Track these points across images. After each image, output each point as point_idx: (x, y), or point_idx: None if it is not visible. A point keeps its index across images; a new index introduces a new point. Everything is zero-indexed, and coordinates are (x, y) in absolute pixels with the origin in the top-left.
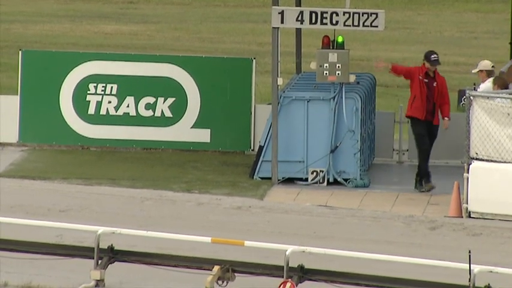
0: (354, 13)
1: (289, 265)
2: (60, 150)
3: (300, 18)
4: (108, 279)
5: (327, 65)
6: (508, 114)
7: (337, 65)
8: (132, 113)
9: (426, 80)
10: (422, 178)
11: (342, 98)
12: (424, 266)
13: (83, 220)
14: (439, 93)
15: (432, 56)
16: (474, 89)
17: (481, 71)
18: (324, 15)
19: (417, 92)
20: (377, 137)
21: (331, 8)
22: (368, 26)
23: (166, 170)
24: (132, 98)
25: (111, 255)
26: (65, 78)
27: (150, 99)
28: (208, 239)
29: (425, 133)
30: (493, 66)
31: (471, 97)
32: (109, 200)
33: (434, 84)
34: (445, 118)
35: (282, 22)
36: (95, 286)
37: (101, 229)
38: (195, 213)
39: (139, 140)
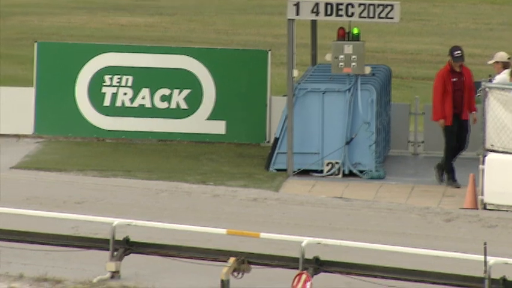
0: (369, 5)
1: (305, 257)
2: (75, 142)
3: (315, 10)
4: (123, 271)
5: (342, 56)
6: None
7: (353, 57)
8: (148, 104)
9: (455, 79)
10: (448, 174)
11: (357, 89)
12: (440, 258)
13: (98, 212)
14: (467, 87)
15: (455, 52)
16: (490, 81)
17: (496, 62)
18: (339, 6)
19: (447, 99)
20: (392, 129)
21: (346, 0)
22: (383, 18)
23: (182, 161)
24: (148, 89)
25: (127, 247)
26: (80, 70)
27: (166, 91)
28: (223, 231)
29: (455, 130)
30: (509, 58)
31: (486, 89)
32: (124, 192)
33: (463, 79)
34: (473, 112)
35: (297, 14)
36: (111, 278)
37: (116, 221)
38: (211, 205)
39: (154, 132)
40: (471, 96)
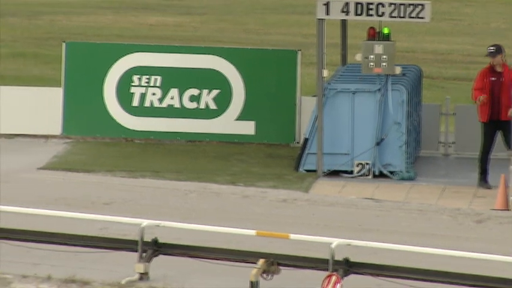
0: (399, 4)
1: (335, 258)
2: (103, 143)
3: (345, 9)
4: (152, 272)
5: (373, 56)
6: None
7: (383, 57)
8: (177, 105)
9: (493, 78)
10: (480, 174)
11: (387, 90)
12: (470, 260)
13: (126, 213)
14: (506, 89)
15: (489, 48)
16: None
17: None
18: (370, 6)
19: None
20: (423, 130)
21: None
22: (414, 18)
23: (211, 162)
24: (177, 90)
25: (156, 248)
26: (108, 70)
27: (195, 91)
28: (253, 232)
29: (491, 132)
30: None
31: None
32: (153, 193)
33: (502, 79)
34: (510, 109)
35: (327, 13)
36: (139, 279)
37: (145, 222)
38: (240, 206)
39: (183, 132)
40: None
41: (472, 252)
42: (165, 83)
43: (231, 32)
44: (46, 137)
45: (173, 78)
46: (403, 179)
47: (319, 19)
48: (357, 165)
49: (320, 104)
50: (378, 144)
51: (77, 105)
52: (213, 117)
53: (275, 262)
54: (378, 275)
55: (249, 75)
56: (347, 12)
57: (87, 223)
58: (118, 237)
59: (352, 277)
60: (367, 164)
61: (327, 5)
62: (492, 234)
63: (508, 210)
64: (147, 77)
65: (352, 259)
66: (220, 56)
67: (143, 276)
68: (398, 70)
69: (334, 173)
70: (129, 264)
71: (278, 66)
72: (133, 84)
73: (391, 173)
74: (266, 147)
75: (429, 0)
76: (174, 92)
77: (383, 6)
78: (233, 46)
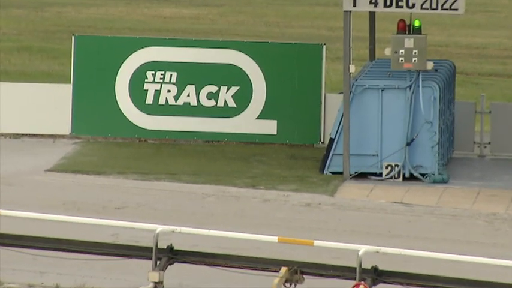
0: None
1: (362, 266)
2: (115, 143)
3: (373, 0)
4: (167, 281)
5: (403, 51)
6: None
7: (414, 51)
8: (193, 102)
9: None
10: None
11: (418, 86)
12: (508, 268)
13: (140, 218)
14: None
15: None
16: None
17: None
18: None
19: None
20: (456, 129)
21: None
22: (447, 9)
23: (230, 164)
24: (193, 86)
25: (171, 255)
26: (120, 66)
27: (213, 88)
28: (274, 238)
29: None
30: None
31: None
32: (168, 196)
33: None
34: None
35: (354, 5)
36: None
37: (159, 228)
38: (261, 210)
39: (200, 132)
40: None
41: (510, 259)
42: (181, 80)
43: (251, 25)
44: (54, 136)
45: (189, 74)
46: (435, 181)
47: (345, 11)
48: (386, 167)
49: (346, 101)
50: (408, 144)
51: (87, 103)
52: (232, 116)
53: (298, 270)
54: (408, 284)
55: (270, 71)
56: (375, 4)
57: (98, 229)
58: (130, 244)
59: (380, 286)
60: (396, 165)
61: None
62: None
63: None
64: (162, 72)
65: (381, 267)
66: (239, 51)
67: (158, 285)
68: (430, 65)
69: (362, 176)
70: (142, 272)
71: (302, 61)
72: (147, 80)
73: (423, 175)
74: (288, 147)
75: None
76: (190, 88)
77: None
78: (253, 40)
